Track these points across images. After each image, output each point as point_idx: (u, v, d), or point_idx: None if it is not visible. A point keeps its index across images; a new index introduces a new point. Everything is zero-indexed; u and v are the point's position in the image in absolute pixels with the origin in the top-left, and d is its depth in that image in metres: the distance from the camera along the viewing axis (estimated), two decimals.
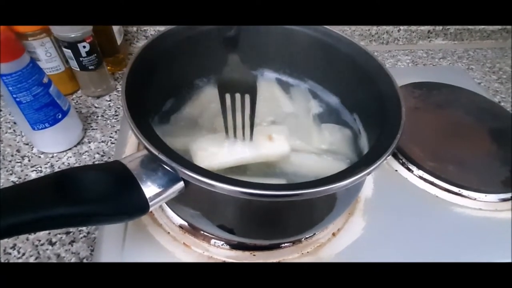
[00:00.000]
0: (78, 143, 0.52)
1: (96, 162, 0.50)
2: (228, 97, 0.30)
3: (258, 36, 0.41)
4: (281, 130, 0.33)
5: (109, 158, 0.51)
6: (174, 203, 0.30)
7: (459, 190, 0.40)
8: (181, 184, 0.24)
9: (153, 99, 0.37)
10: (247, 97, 0.29)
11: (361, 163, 0.24)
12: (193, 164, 0.23)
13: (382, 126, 0.29)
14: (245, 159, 0.31)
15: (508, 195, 0.40)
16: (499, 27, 0.84)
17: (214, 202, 0.27)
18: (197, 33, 0.39)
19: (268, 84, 0.44)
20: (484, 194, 0.40)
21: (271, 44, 0.42)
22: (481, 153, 0.44)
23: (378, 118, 0.32)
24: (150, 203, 0.23)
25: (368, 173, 0.23)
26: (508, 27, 0.84)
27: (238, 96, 0.29)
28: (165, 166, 0.23)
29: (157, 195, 0.24)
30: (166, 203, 0.36)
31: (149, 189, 0.24)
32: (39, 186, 0.20)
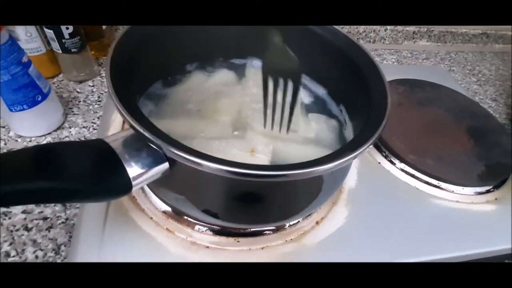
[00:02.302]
0: (58, 128, 0.50)
1: None
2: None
3: (245, 26, 0.40)
4: (265, 145, 0.33)
5: None
6: (158, 187, 0.30)
7: (438, 183, 0.41)
8: (165, 165, 0.24)
9: (140, 79, 0.36)
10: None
11: (347, 148, 0.25)
12: (179, 142, 0.22)
13: (368, 115, 0.29)
14: None
15: (483, 189, 0.42)
16: (480, 31, 0.87)
17: (199, 184, 0.27)
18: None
19: (256, 72, 0.44)
20: (461, 187, 0.41)
21: (260, 34, 0.42)
22: (459, 148, 0.45)
23: (364, 108, 0.33)
24: (133, 183, 0.23)
25: (354, 157, 0.24)
26: (489, 32, 0.87)
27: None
28: (150, 145, 0.23)
29: (141, 175, 0.23)
30: (149, 187, 0.35)
31: (133, 168, 0.23)
32: (18, 158, 0.19)
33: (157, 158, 0.24)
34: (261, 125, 0.37)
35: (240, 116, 0.38)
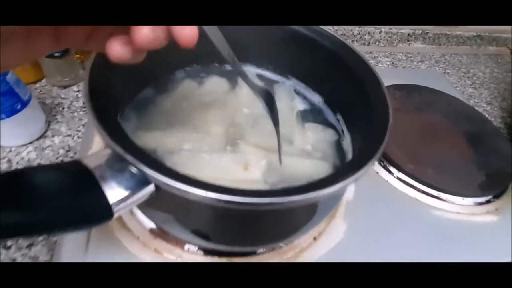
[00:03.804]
0: (41, 137, 0.48)
1: (60, 158, 0.46)
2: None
3: (239, 30, 0.38)
4: (259, 159, 0.32)
5: (75, 153, 0.47)
6: (144, 206, 0.28)
7: (438, 193, 0.40)
8: (151, 187, 0.21)
9: (126, 86, 0.34)
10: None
11: (347, 168, 0.23)
12: (164, 166, 0.20)
13: (368, 128, 0.27)
14: None
15: (483, 199, 0.41)
16: (474, 33, 0.86)
17: (189, 207, 0.25)
18: None
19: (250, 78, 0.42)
20: (461, 198, 0.40)
21: (252, 38, 0.40)
22: (458, 156, 0.44)
23: (363, 119, 0.31)
24: (115, 209, 0.21)
25: (354, 180, 0.22)
26: (483, 34, 0.87)
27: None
28: (131, 168, 0.21)
29: (123, 200, 0.21)
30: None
31: (114, 193, 0.21)
32: None
33: (141, 180, 0.21)
34: (254, 136, 0.35)
35: (233, 126, 0.36)
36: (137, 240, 0.31)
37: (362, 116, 0.31)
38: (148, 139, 0.32)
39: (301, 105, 0.40)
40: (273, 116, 0.31)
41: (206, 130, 0.34)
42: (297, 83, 0.42)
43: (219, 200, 0.19)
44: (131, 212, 0.33)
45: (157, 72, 0.38)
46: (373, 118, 0.28)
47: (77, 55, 0.57)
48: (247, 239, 0.30)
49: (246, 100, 0.40)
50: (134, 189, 0.21)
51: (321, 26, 0.37)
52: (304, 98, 0.42)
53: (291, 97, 0.41)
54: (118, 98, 0.32)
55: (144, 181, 0.21)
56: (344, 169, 0.24)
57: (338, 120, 0.38)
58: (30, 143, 0.46)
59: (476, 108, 0.70)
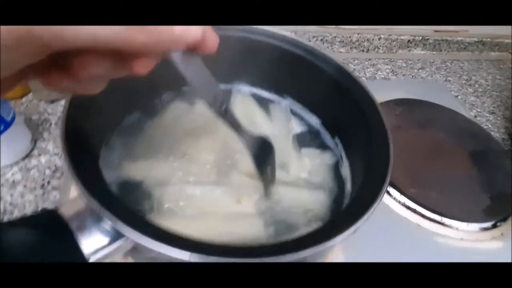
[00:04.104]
0: (26, 156, 0.46)
1: (47, 180, 0.44)
2: None
3: (233, 48, 0.36)
4: (252, 192, 0.30)
5: (62, 173, 0.45)
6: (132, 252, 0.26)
7: (441, 219, 0.38)
8: (129, 241, 0.20)
9: (111, 112, 0.32)
10: None
11: (341, 219, 0.21)
12: (142, 222, 0.19)
13: (367, 164, 0.26)
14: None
15: (488, 224, 0.39)
16: (476, 39, 0.84)
17: None
18: None
19: (244, 100, 0.40)
20: (465, 223, 0.38)
21: (246, 56, 0.38)
22: (462, 178, 0.42)
23: (362, 148, 0.29)
24: (91, 261, 0.19)
25: (349, 234, 0.20)
26: (485, 39, 0.85)
27: None
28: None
29: (100, 251, 0.19)
30: None
31: (90, 244, 0.19)
32: None
33: (118, 232, 0.20)
34: (248, 164, 0.33)
35: (225, 153, 0.34)
36: None
37: (361, 145, 0.29)
38: (134, 170, 0.30)
39: (298, 128, 0.39)
40: (267, 170, 0.29)
41: (196, 158, 0.32)
42: (293, 103, 0.40)
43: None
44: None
45: (144, 95, 0.36)
46: (373, 152, 0.26)
47: None
48: None
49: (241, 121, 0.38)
50: (110, 241, 0.20)
51: (319, 49, 0.35)
52: (301, 119, 0.40)
53: (288, 119, 0.39)
54: (102, 126, 0.30)
55: (120, 234, 0.20)
56: (338, 219, 0.22)
57: (336, 144, 0.37)
58: (15, 163, 0.44)
59: (478, 118, 0.69)
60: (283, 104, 0.41)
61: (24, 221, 0.19)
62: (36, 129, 0.49)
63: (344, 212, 0.23)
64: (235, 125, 0.25)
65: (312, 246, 0.19)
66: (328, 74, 0.34)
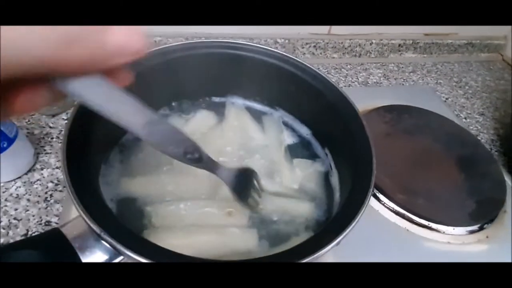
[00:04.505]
0: (29, 170, 0.47)
1: (49, 193, 0.45)
2: None
3: (227, 64, 0.38)
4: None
5: (64, 187, 0.46)
6: None
7: (428, 223, 0.40)
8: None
9: (110, 130, 0.33)
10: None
11: (326, 232, 0.23)
12: (138, 241, 0.20)
13: (352, 176, 0.27)
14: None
15: (474, 228, 0.41)
16: (465, 41, 0.86)
17: None
18: (158, 63, 0.36)
19: (237, 112, 0.42)
20: (452, 227, 0.40)
21: (240, 72, 0.40)
22: (449, 184, 0.44)
23: (348, 160, 0.31)
24: None
25: (332, 247, 0.22)
26: (474, 41, 0.87)
27: None
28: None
29: None
30: None
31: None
32: None
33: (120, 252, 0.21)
34: None
35: None
36: None
37: (347, 155, 0.31)
38: (131, 187, 0.32)
39: (289, 139, 0.40)
40: (250, 194, 0.30)
41: (191, 172, 0.34)
42: (285, 114, 0.42)
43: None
44: None
45: None
46: (357, 163, 0.28)
47: None
48: None
49: (233, 134, 0.39)
50: (110, 258, 0.21)
51: (305, 63, 0.37)
52: (293, 130, 0.41)
53: (280, 130, 0.41)
54: (100, 146, 0.31)
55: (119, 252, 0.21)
56: (322, 233, 0.24)
57: (326, 154, 0.38)
58: (19, 177, 0.46)
59: (469, 120, 0.70)
60: (276, 116, 0.42)
61: (30, 242, 0.21)
62: (38, 143, 0.50)
63: (328, 226, 0.24)
64: (212, 167, 0.26)
65: (299, 259, 0.20)
66: (316, 88, 0.36)
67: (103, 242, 0.21)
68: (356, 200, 0.24)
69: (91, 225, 0.20)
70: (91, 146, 0.28)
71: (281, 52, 0.37)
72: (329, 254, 0.36)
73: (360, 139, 0.29)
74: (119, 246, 0.20)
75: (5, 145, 0.42)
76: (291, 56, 0.37)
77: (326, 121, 0.36)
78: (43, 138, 0.52)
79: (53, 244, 0.21)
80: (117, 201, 0.31)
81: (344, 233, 0.22)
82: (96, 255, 0.21)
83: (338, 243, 0.22)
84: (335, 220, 0.25)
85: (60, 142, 0.51)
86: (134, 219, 0.30)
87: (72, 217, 0.22)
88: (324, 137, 0.39)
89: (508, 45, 0.89)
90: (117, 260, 0.22)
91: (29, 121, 0.54)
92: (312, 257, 0.21)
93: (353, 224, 0.23)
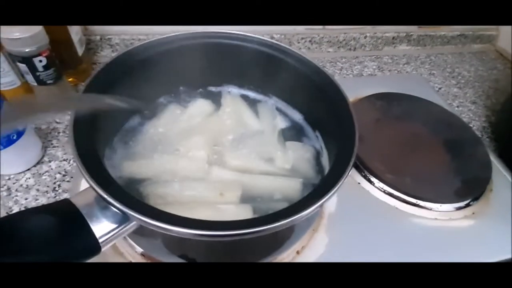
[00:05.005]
0: (38, 163, 0.50)
1: (58, 183, 0.48)
2: None
3: (222, 54, 0.40)
4: (235, 186, 0.33)
5: (72, 177, 0.49)
6: (132, 235, 0.30)
7: (416, 201, 0.42)
8: (134, 222, 0.24)
9: (113, 118, 0.36)
10: None
11: (311, 196, 0.25)
12: (145, 206, 0.23)
13: (337, 150, 0.29)
14: None
15: (460, 204, 0.43)
16: (458, 33, 0.88)
17: (173, 237, 0.27)
18: (158, 52, 0.38)
19: (233, 100, 0.44)
20: (439, 204, 0.42)
21: (235, 61, 0.42)
22: (437, 164, 0.46)
23: (335, 138, 0.33)
24: (102, 244, 0.23)
25: (310, 212, 0.24)
26: (466, 33, 0.89)
27: None
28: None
29: (110, 234, 0.23)
30: None
31: (101, 228, 0.23)
32: None
33: (125, 216, 0.24)
34: (236, 159, 0.37)
35: (215, 150, 0.38)
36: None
37: (334, 136, 0.33)
38: (132, 169, 0.34)
39: (283, 123, 0.42)
40: None
41: (189, 155, 0.36)
42: (278, 101, 0.44)
43: (193, 234, 0.21)
44: (124, 238, 0.35)
45: (141, 100, 0.40)
46: (342, 143, 0.30)
47: (69, 79, 0.59)
48: (232, 259, 0.32)
49: (229, 121, 0.42)
50: (119, 224, 0.24)
51: (293, 49, 0.39)
52: (286, 116, 0.44)
53: (273, 116, 0.43)
54: (105, 132, 0.34)
55: (127, 217, 0.24)
56: (304, 200, 0.26)
57: (317, 137, 0.40)
58: (28, 169, 0.49)
59: (460, 108, 0.72)
60: (269, 103, 0.44)
61: (43, 209, 0.23)
62: (46, 137, 0.53)
63: (309, 195, 0.26)
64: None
65: (280, 221, 0.23)
66: (306, 74, 0.38)
67: (110, 208, 0.23)
68: (337, 171, 0.26)
69: (98, 190, 0.22)
70: (96, 133, 0.30)
71: (272, 41, 0.40)
72: (322, 232, 0.39)
73: (345, 118, 0.32)
74: (124, 208, 0.22)
75: (14, 138, 0.45)
76: (282, 44, 0.39)
77: (316, 105, 0.38)
78: (50, 132, 0.54)
79: (63, 209, 0.23)
80: (120, 182, 0.33)
81: (322, 200, 0.24)
82: (105, 222, 0.23)
83: (317, 208, 0.24)
84: (316, 189, 0.27)
85: (67, 136, 0.54)
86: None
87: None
88: (315, 121, 0.41)
89: (500, 36, 0.91)
90: (126, 226, 0.24)
91: None
92: (292, 218, 0.23)
93: (331, 192, 0.25)
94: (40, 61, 0.50)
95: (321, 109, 0.37)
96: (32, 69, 0.50)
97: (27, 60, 0.49)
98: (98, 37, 0.67)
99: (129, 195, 0.24)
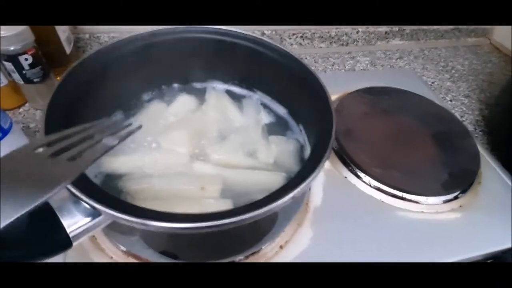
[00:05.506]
0: None
1: None
2: None
3: (205, 50, 0.40)
4: (216, 181, 0.33)
5: None
6: (110, 232, 0.30)
7: (402, 194, 0.42)
8: (105, 216, 0.23)
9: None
10: None
11: (288, 185, 0.25)
12: (114, 200, 0.22)
13: (315, 142, 0.29)
14: None
15: (448, 197, 0.43)
16: (452, 26, 0.87)
17: (149, 232, 0.27)
18: (140, 47, 0.38)
19: (218, 96, 0.44)
20: (425, 197, 0.42)
21: (218, 57, 0.42)
22: (424, 157, 0.46)
23: (315, 130, 0.33)
24: (73, 238, 0.23)
25: (287, 201, 0.24)
26: (461, 26, 0.88)
27: None
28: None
29: (81, 228, 0.23)
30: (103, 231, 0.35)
31: (72, 223, 0.23)
32: None
33: (97, 211, 0.23)
34: (218, 153, 0.37)
35: (198, 145, 0.37)
36: (110, 260, 0.33)
37: (315, 128, 0.33)
38: (113, 164, 0.34)
39: (267, 118, 0.42)
40: None
41: (170, 150, 0.36)
42: (263, 96, 0.44)
43: (161, 227, 0.21)
44: (105, 233, 0.35)
45: (125, 96, 0.40)
46: (319, 132, 0.29)
47: (57, 78, 0.59)
48: (213, 254, 0.32)
49: (213, 116, 0.41)
50: (90, 219, 0.23)
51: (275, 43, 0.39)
52: (271, 110, 0.43)
53: (257, 111, 0.43)
54: (85, 117, 0.33)
55: (98, 212, 0.23)
56: (280, 190, 0.25)
57: (300, 130, 0.40)
58: None
59: (454, 102, 0.71)
60: (254, 98, 0.44)
61: None
62: (33, 136, 0.53)
63: (285, 185, 0.26)
64: None
65: (257, 210, 0.22)
66: (288, 68, 0.37)
67: (81, 203, 0.23)
68: (312, 163, 0.26)
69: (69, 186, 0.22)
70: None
71: (254, 35, 0.39)
72: (306, 226, 0.38)
73: (324, 109, 0.31)
74: (93, 203, 0.21)
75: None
76: (264, 38, 0.39)
77: (299, 99, 0.38)
78: (38, 131, 0.54)
79: None
80: (101, 178, 0.33)
81: (297, 190, 0.24)
82: (75, 215, 0.23)
83: (291, 198, 0.24)
84: (293, 180, 0.26)
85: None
86: (116, 193, 0.32)
87: None
88: (298, 115, 0.40)
89: (495, 29, 0.90)
90: (98, 220, 0.24)
91: (24, 115, 0.56)
92: (269, 207, 0.23)
93: (306, 182, 0.24)
94: (26, 59, 0.50)
95: (303, 102, 0.37)
96: (18, 67, 0.50)
97: (13, 58, 0.49)
98: (87, 35, 0.67)
99: (99, 190, 0.23)
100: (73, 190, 0.23)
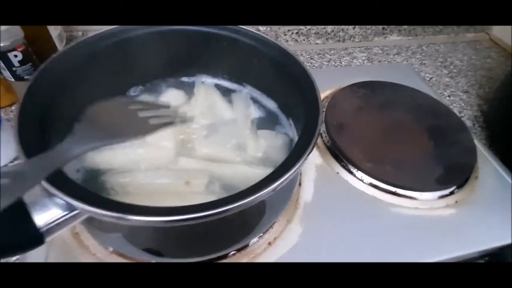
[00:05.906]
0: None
1: None
2: None
3: (193, 43, 0.39)
4: (201, 175, 0.32)
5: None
6: (92, 229, 0.29)
7: (395, 190, 0.41)
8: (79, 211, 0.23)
9: (79, 106, 0.35)
10: None
11: (266, 180, 0.24)
12: (90, 194, 0.22)
13: (301, 132, 0.28)
14: None
15: (443, 192, 0.41)
16: None
17: (129, 228, 0.26)
18: (125, 39, 0.37)
19: (207, 90, 0.43)
20: (419, 193, 0.41)
21: (207, 50, 0.41)
22: (418, 152, 0.44)
23: (302, 123, 0.32)
24: (44, 233, 0.22)
25: (268, 194, 0.23)
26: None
27: None
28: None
29: (53, 223, 0.22)
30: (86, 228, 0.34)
31: (44, 218, 0.22)
32: None
33: (70, 206, 0.23)
34: (206, 147, 0.36)
35: (184, 139, 0.37)
36: (94, 257, 0.32)
37: (303, 121, 0.32)
38: (96, 159, 0.33)
39: (257, 113, 0.41)
40: None
41: (156, 145, 0.35)
42: (252, 90, 0.43)
43: (135, 221, 0.20)
44: (89, 231, 0.34)
45: (112, 90, 0.39)
46: (306, 124, 0.29)
47: None
48: (199, 250, 0.31)
49: (201, 110, 0.41)
50: (63, 213, 0.23)
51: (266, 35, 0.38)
52: (261, 104, 0.42)
53: (247, 105, 0.42)
54: (66, 118, 0.33)
55: (72, 206, 0.23)
56: (264, 181, 0.24)
57: (290, 124, 0.39)
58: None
59: (452, 98, 0.70)
60: (244, 92, 0.43)
61: None
62: None
63: (268, 176, 0.25)
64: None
65: (238, 201, 0.22)
66: (277, 61, 0.36)
67: (54, 197, 0.22)
68: (298, 152, 0.25)
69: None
70: (52, 120, 0.29)
71: (244, 28, 0.38)
72: (296, 222, 0.38)
73: (311, 102, 0.30)
74: (65, 197, 0.21)
75: None
76: (255, 31, 0.38)
77: (288, 92, 0.37)
78: None
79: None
80: (84, 172, 0.32)
81: (280, 181, 0.23)
82: (47, 211, 0.22)
83: (274, 189, 0.23)
84: (276, 170, 0.25)
85: None
86: (98, 188, 0.31)
87: None
88: (288, 109, 0.40)
89: None
90: (71, 215, 0.23)
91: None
92: (251, 198, 0.22)
93: (289, 173, 0.24)
94: (16, 56, 0.50)
95: (292, 96, 0.36)
96: (8, 64, 0.50)
97: (2, 55, 0.49)
98: (80, 33, 0.67)
99: (74, 184, 0.23)
100: (45, 184, 0.22)
